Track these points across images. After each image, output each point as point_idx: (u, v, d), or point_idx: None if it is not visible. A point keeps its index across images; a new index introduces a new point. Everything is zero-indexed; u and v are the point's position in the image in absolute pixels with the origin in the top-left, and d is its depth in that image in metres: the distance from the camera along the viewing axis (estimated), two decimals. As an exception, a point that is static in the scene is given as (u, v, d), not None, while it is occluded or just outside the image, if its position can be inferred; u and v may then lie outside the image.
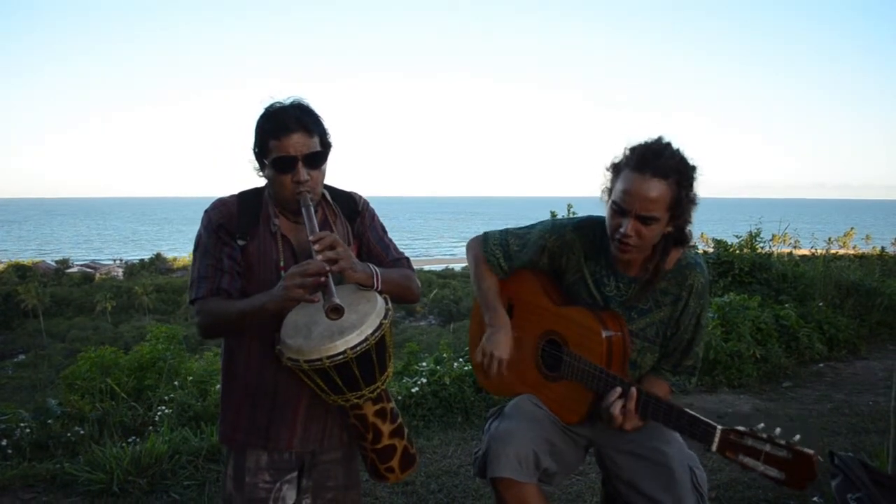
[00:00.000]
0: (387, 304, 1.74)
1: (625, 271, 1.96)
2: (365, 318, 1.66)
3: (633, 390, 1.77)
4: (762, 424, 1.59)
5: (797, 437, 1.54)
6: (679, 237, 1.88)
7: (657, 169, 1.75)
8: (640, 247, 1.83)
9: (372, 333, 1.65)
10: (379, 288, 1.77)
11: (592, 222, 2.04)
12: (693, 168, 1.81)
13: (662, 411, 1.75)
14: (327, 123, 1.81)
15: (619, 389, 1.79)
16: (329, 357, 1.61)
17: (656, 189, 1.75)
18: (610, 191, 1.87)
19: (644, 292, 1.93)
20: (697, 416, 1.68)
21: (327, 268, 1.60)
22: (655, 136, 1.83)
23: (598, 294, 2.00)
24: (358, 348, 1.62)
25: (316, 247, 1.64)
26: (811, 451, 1.49)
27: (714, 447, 1.62)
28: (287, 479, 1.86)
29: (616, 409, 1.78)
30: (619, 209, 1.80)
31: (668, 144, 1.81)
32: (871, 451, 3.31)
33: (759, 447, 1.55)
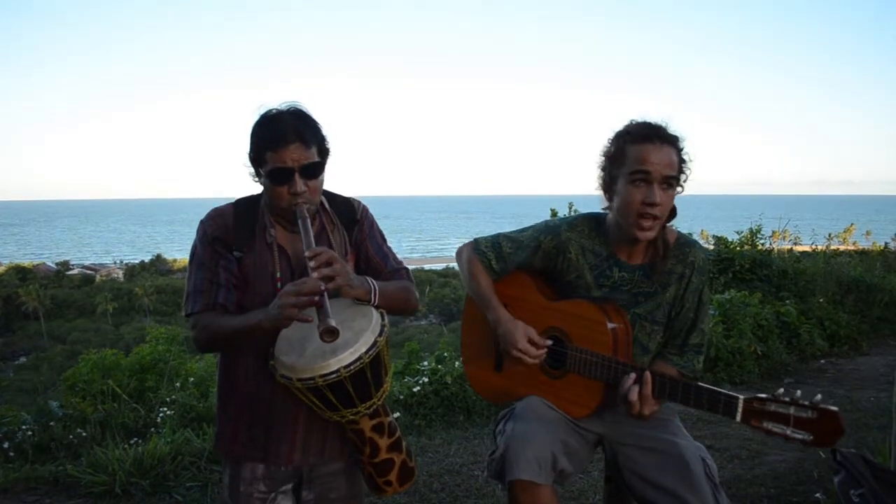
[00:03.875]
0: (382, 319, 1.71)
1: (627, 260, 1.98)
2: (359, 336, 1.63)
3: (647, 374, 1.77)
4: (782, 389, 1.57)
5: (818, 396, 1.53)
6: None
7: (664, 136, 1.85)
8: (661, 217, 1.87)
9: (366, 352, 1.61)
10: (376, 303, 1.74)
11: (586, 218, 2.05)
12: (682, 139, 1.92)
13: (681, 391, 1.74)
14: (325, 130, 1.76)
15: (633, 376, 1.78)
16: (322, 376, 1.58)
17: (669, 154, 1.84)
18: (613, 179, 1.89)
19: (657, 274, 1.95)
20: (717, 389, 1.67)
21: (323, 286, 1.55)
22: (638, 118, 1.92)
23: (597, 290, 1.99)
24: (352, 367, 1.59)
25: (312, 263, 1.59)
26: (835, 408, 1.48)
27: (738, 417, 1.60)
28: (283, 489, 1.84)
29: (633, 394, 1.77)
30: (644, 178, 1.83)
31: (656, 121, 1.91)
32: (874, 447, 3.31)
33: (785, 411, 1.53)
